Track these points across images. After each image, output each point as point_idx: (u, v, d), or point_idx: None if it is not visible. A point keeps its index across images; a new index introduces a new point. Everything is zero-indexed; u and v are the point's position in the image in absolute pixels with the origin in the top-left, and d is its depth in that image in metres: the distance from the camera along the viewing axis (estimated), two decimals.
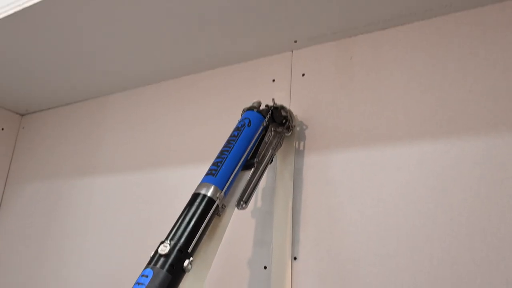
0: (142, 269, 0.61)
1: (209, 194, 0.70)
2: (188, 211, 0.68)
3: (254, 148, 0.83)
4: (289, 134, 0.94)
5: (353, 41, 0.96)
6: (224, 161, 0.75)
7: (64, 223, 1.29)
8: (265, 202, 0.95)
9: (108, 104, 1.36)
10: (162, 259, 0.60)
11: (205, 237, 0.69)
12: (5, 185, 1.51)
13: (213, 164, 0.75)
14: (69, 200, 1.31)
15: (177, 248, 0.62)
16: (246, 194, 0.78)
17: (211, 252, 0.71)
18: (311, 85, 0.98)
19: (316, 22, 0.93)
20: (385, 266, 0.79)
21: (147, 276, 0.58)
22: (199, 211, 0.68)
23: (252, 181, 0.80)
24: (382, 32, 0.93)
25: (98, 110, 1.37)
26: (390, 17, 0.89)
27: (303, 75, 1.00)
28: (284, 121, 0.91)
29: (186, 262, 0.61)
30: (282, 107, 0.91)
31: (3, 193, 1.50)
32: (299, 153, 0.94)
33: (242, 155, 0.78)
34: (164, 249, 0.61)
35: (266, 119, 0.85)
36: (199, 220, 0.67)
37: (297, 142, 0.95)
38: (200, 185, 0.72)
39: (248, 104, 0.90)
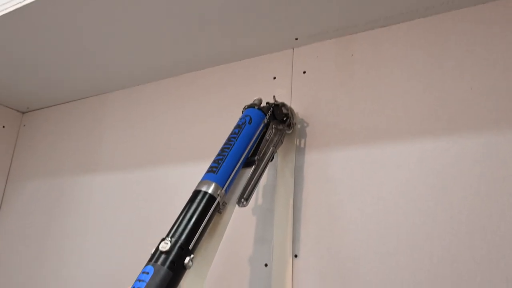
0: (142, 267, 0.61)
1: (210, 191, 0.70)
2: (189, 208, 0.68)
3: (255, 145, 0.83)
4: (290, 131, 0.94)
5: (354, 39, 0.96)
6: (225, 158, 0.75)
7: (65, 221, 1.29)
8: (266, 199, 0.95)
9: (108, 101, 1.36)
10: (163, 256, 0.60)
11: (206, 234, 0.69)
12: (6, 183, 1.51)
13: (214, 161, 0.75)
14: (70, 198, 1.31)
15: (178, 245, 0.62)
16: (247, 191, 0.78)
17: (212, 249, 0.71)
18: (312, 83, 0.98)
19: (317, 20, 0.93)
20: (385, 264, 0.79)
21: (148, 273, 0.58)
22: (200, 208, 0.67)
23: (253, 179, 0.80)
24: (383, 30, 0.93)
25: (98, 107, 1.37)
26: (391, 15, 0.89)
27: (304, 72, 1.00)
28: (285, 118, 0.91)
29: (187, 259, 0.61)
30: (283, 105, 0.91)
31: (4, 191, 1.50)
32: (300, 151, 0.94)
33: (243, 153, 0.78)
34: (165, 246, 0.61)
35: (267, 116, 0.85)
36: (200, 217, 0.67)
37: (298, 140, 0.95)
38: (201, 182, 0.72)
39: (249, 101, 0.90)
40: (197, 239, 0.65)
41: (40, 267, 1.29)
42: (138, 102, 1.28)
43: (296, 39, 1.01)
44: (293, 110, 0.95)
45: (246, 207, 0.80)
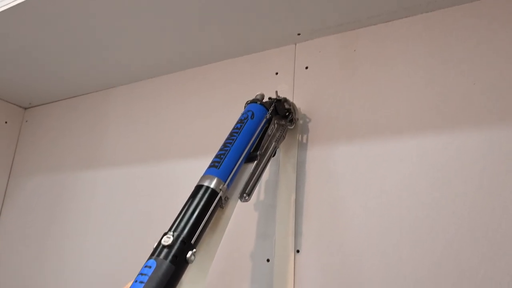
0: (145, 261, 0.61)
1: (212, 186, 0.70)
2: (191, 202, 0.68)
3: (257, 140, 0.83)
4: (292, 127, 0.93)
5: (356, 34, 0.96)
6: (227, 153, 0.75)
7: (67, 216, 1.30)
8: (268, 195, 0.95)
9: (111, 97, 1.36)
10: (165, 250, 0.60)
11: (208, 229, 0.69)
12: (8, 178, 1.52)
13: (216, 156, 0.75)
14: (72, 194, 1.32)
15: (180, 239, 0.61)
16: (249, 186, 0.78)
17: (214, 244, 0.71)
18: (314, 78, 0.98)
19: (320, 15, 0.93)
20: (387, 259, 0.79)
21: (150, 267, 0.58)
22: (202, 203, 0.67)
23: (255, 174, 0.80)
24: (386, 25, 0.93)
25: (101, 103, 1.37)
26: (394, 10, 0.89)
27: (307, 68, 1.00)
28: (287, 113, 0.91)
29: (189, 253, 0.61)
30: (285, 100, 0.91)
31: (6, 186, 1.51)
32: (302, 146, 0.94)
33: (245, 148, 0.78)
34: (168, 240, 0.61)
35: (269, 111, 0.85)
36: (202, 211, 0.67)
37: (300, 135, 0.95)
38: (203, 177, 0.72)
39: (251, 97, 0.90)
40: (199, 233, 0.65)
41: (42, 261, 1.29)
42: (140, 98, 1.28)
43: (299, 34, 1.00)
44: (295, 106, 0.95)
45: (248, 202, 0.80)
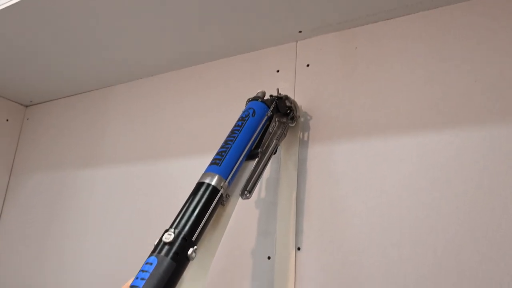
0: (145, 258, 0.61)
1: (213, 183, 0.70)
2: (192, 200, 0.68)
3: (259, 138, 0.83)
4: (294, 124, 0.93)
5: (357, 32, 0.96)
6: (228, 150, 0.75)
7: (68, 214, 1.30)
8: (269, 192, 0.95)
9: (111, 95, 1.36)
10: (166, 247, 0.60)
11: (209, 226, 0.69)
12: (9, 176, 1.52)
13: (217, 153, 0.75)
14: (73, 191, 1.32)
15: (181, 236, 0.62)
16: (250, 184, 0.78)
17: (215, 241, 0.71)
18: (315, 76, 0.98)
19: (321, 12, 0.93)
20: (388, 257, 0.79)
21: (151, 264, 0.58)
22: (203, 200, 0.68)
23: (256, 171, 0.80)
24: (387, 22, 0.93)
25: (101, 101, 1.38)
26: (395, 7, 0.89)
27: (308, 65, 1.00)
28: (288, 111, 0.91)
29: (190, 250, 0.61)
30: (287, 98, 0.91)
31: (8, 184, 1.51)
32: (303, 144, 0.94)
33: (246, 145, 0.78)
34: (169, 237, 0.61)
35: (271, 109, 0.85)
36: (203, 209, 0.67)
37: (301, 133, 0.95)
38: (204, 175, 0.72)
39: (252, 95, 0.90)
40: (201, 230, 0.65)
41: (43, 259, 1.30)
42: (140, 96, 1.28)
43: (300, 32, 1.00)
44: (296, 103, 0.95)
45: (249, 200, 0.80)
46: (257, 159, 0.81)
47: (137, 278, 0.57)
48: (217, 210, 0.71)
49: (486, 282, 0.70)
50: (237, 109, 0.89)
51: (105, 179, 1.26)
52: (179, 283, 0.60)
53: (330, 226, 0.86)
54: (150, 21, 1.01)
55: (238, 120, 0.82)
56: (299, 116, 0.95)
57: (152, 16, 0.99)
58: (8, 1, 0.97)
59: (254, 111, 0.83)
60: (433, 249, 0.75)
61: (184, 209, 0.66)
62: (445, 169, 0.78)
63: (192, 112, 1.15)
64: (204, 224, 0.66)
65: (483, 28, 0.82)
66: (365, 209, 0.84)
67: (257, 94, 0.89)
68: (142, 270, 0.58)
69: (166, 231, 0.63)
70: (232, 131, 0.79)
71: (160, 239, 0.62)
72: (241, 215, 0.90)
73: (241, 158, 0.76)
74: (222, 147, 0.76)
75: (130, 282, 0.58)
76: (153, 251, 0.61)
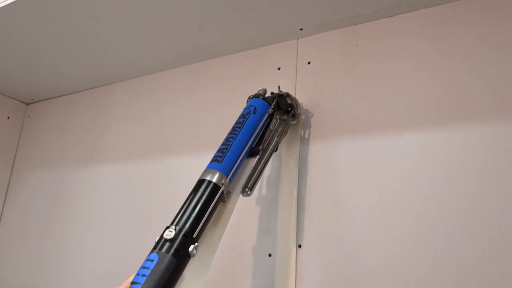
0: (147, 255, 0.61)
1: (214, 180, 0.70)
2: (194, 197, 0.68)
3: (260, 135, 0.83)
4: (295, 122, 0.93)
5: (359, 29, 0.96)
6: (230, 148, 0.75)
7: (69, 212, 1.30)
8: (270, 190, 0.95)
9: (113, 92, 1.36)
10: (167, 244, 0.60)
11: (210, 223, 0.69)
12: (11, 173, 1.52)
13: (218, 150, 0.75)
14: (74, 189, 1.32)
15: (182, 233, 0.62)
16: (251, 181, 0.78)
17: (216, 238, 0.71)
18: (316, 73, 0.98)
19: (322, 10, 0.92)
20: (389, 254, 0.79)
21: (152, 260, 0.58)
22: (204, 197, 0.68)
23: (257, 168, 0.80)
24: (389, 20, 0.92)
25: (103, 98, 1.38)
26: (397, 4, 0.89)
27: (309, 63, 1.00)
28: (289, 109, 0.91)
29: (191, 247, 0.61)
30: (288, 95, 0.91)
31: (9, 182, 1.51)
32: (304, 141, 0.94)
33: (247, 142, 0.78)
34: (170, 234, 0.61)
35: (272, 106, 0.85)
36: (204, 206, 0.67)
37: (302, 130, 0.95)
38: (205, 172, 0.72)
39: (253, 92, 0.90)
40: (202, 227, 0.65)
41: (44, 257, 1.30)
42: (142, 94, 1.28)
43: (301, 29, 1.00)
44: (297, 101, 0.95)
45: (250, 197, 0.80)
46: (258, 156, 0.81)
47: (138, 274, 0.57)
48: (218, 207, 0.71)
49: (487, 278, 0.70)
50: (239, 106, 0.89)
51: (107, 177, 1.26)
52: (180, 280, 0.60)
53: (331, 223, 0.86)
54: (151, 19, 1.00)
55: (239, 117, 0.82)
56: (300, 114, 0.95)
57: (153, 14, 0.98)
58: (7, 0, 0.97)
59: (255, 109, 0.83)
60: (434, 246, 0.75)
61: (185, 206, 0.66)
62: (446, 166, 0.78)
63: (194, 109, 1.15)
64: (205, 221, 0.66)
65: (485, 26, 0.82)
66: (366, 206, 0.84)
67: (258, 91, 0.89)
68: (143, 267, 0.58)
69: (167, 228, 0.63)
70: (233, 129, 0.79)
71: (161, 236, 0.62)
72: (242, 213, 0.90)
73: (242, 156, 0.76)
74: (223, 144, 0.76)
75: (131, 278, 0.58)
76: (154, 248, 0.61)
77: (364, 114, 0.89)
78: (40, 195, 1.40)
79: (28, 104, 1.60)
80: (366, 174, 0.85)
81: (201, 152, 1.09)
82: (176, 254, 0.59)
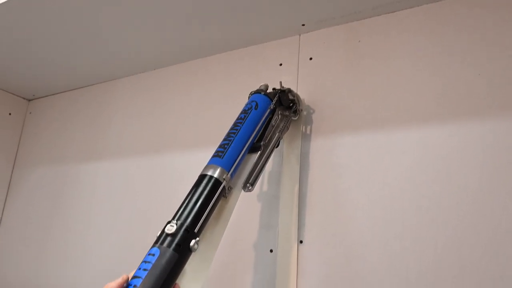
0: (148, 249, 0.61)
1: (215, 175, 0.70)
2: (195, 192, 0.68)
3: (261, 131, 0.83)
4: (296, 118, 0.93)
5: (361, 24, 0.95)
6: (231, 143, 0.75)
7: (70, 207, 1.30)
8: (272, 186, 0.95)
9: (114, 89, 1.36)
10: (169, 238, 0.60)
11: (211, 218, 0.69)
12: (12, 169, 1.52)
13: (220, 146, 0.75)
14: (75, 184, 1.32)
15: (183, 227, 0.62)
16: (253, 176, 0.78)
17: (217, 233, 0.71)
18: (318, 69, 0.98)
19: (324, 5, 0.92)
20: (390, 250, 0.79)
21: (154, 255, 0.58)
22: (205, 192, 0.67)
23: (258, 164, 0.80)
24: (391, 15, 0.92)
25: (104, 95, 1.37)
26: (399, 0, 0.88)
27: (311, 59, 1.00)
28: (291, 104, 0.91)
29: (193, 242, 0.61)
30: (290, 91, 0.90)
31: (11, 177, 1.51)
32: (306, 137, 0.94)
33: (249, 138, 0.78)
34: (171, 228, 0.61)
35: (273, 102, 0.85)
36: (206, 201, 0.67)
37: (304, 126, 0.95)
38: (206, 167, 0.72)
39: (255, 88, 0.89)
40: (203, 222, 0.65)
41: (45, 252, 1.30)
42: (143, 90, 1.28)
43: (303, 25, 1.00)
44: (299, 97, 0.94)
45: (252, 193, 0.80)
46: (259, 152, 0.81)
47: (139, 268, 0.57)
48: (220, 203, 0.71)
49: (487, 275, 0.70)
50: (240, 102, 0.89)
51: (108, 173, 1.26)
52: (181, 274, 0.60)
53: (333, 219, 0.86)
54: (152, 16, 1.00)
55: (241, 113, 0.82)
56: (301, 110, 0.94)
57: (153, 11, 0.98)
58: None
59: (257, 104, 0.83)
60: (434, 242, 0.75)
61: (187, 201, 0.66)
62: (447, 163, 0.78)
63: (195, 106, 1.15)
64: (206, 216, 0.66)
65: (485, 21, 0.81)
66: (367, 202, 0.83)
67: (260, 87, 0.89)
68: (144, 261, 0.58)
69: (169, 222, 0.63)
70: (235, 124, 0.79)
71: (163, 231, 0.62)
72: (243, 208, 0.90)
73: (243, 151, 0.76)
74: (224, 139, 0.76)
75: (133, 273, 0.58)
76: (156, 242, 0.61)
77: (365, 111, 0.89)
78: (42, 190, 1.40)
79: (29, 100, 1.60)
80: (367, 171, 0.85)
81: (202, 149, 1.09)
82: (177, 249, 0.59)
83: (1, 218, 1.47)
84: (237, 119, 0.81)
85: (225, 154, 0.73)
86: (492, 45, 0.80)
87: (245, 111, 0.82)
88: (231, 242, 0.94)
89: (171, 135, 1.17)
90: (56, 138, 1.44)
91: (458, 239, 0.73)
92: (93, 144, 1.33)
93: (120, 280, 0.58)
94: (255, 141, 0.81)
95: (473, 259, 0.71)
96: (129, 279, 0.57)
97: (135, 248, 1.11)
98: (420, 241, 0.77)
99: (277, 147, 0.86)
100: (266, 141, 0.83)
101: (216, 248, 0.70)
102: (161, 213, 1.09)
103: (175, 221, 0.62)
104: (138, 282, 0.55)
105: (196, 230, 0.63)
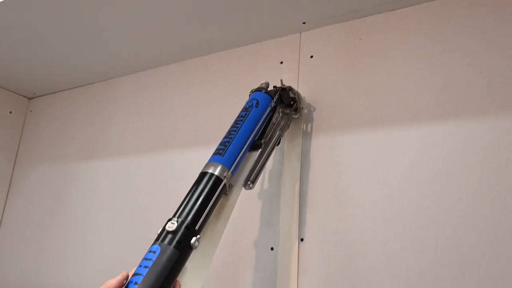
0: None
1: (216, 173, 0.70)
2: (196, 189, 0.68)
3: (262, 129, 0.83)
4: (297, 116, 0.93)
5: (362, 22, 0.95)
6: (232, 141, 0.75)
7: (71, 205, 1.30)
8: (272, 184, 0.95)
9: (115, 87, 1.36)
10: (169, 236, 0.60)
11: (212, 216, 0.69)
12: (13, 168, 1.52)
13: (221, 143, 0.75)
14: (76, 183, 1.32)
15: (184, 225, 0.62)
16: (253, 174, 0.78)
17: (218, 231, 0.71)
18: (319, 67, 0.98)
19: (325, 3, 0.92)
20: (391, 248, 0.79)
21: (154, 252, 0.58)
22: (206, 190, 0.67)
23: (259, 162, 0.80)
24: (391, 13, 0.92)
25: (105, 93, 1.37)
26: None
27: (311, 57, 1.00)
28: (292, 102, 0.91)
29: (193, 239, 0.61)
30: (290, 89, 0.90)
31: (12, 175, 1.51)
32: (307, 135, 0.94)
33: (250, 136, 0.78)
34: (172, 226, 0.61)
35: (274, 100, 0.85)
36: (206, 198, 0.67)
37: (304, 124, 0.95)
38: (207, 164, 0.72)
39: (256, 86, 0.89)
40: (204, 220, 0.65)
41: (46, 250, 1.30)
42: (143, 88, 1.28)
43: (304, 23, 1.00)
44: (300, 95, 0.94)
45: (252, 191, 0.80)
46: (260, 149, 0.81)
47: (140, 266, 0.57)
48: (221, 200, 0.71)
49: (488, 274, 0.70)
50: (241, 100, 0.88)
51: (108, 171, 1.26)
52: (182, 271, 0.60)
53: (333, 217, 0.86)
54: (152, 14, 1.00)
55: (242, 110, 0.82)
56: (302, 108, 0.94)
57: (153, 9, 0.98)
58: None
59: (257, 102, 0.83)
60: (435, 241, 0.75)
61: (187, 198, 0.66)
62: (447, 162, 0.78)
63: (195, 104, 1.15)
64: (207, 214, 0.66)
65: (486, 20, 0.81)
66: (368, 201, 0.83)
67: (260, 85, 0.89)
68: (145, 258, 0.58)
69: (169, 220, 0.63)
70: (236, 122, 0.79)
71: (163, 228, 0.62)
72: (244, 206, 0.90)
73: (244, 149, 0.76)
74: (225, 137, 0.76)
75: (134, 270, 0.58)
76: (157, 240, 0.61)
77: (365, 109, 0.89)
78: (42, 189, 1.40)
79: (30, 98, 1.60)
80: (368, 169, 0.85)
81: (202, 147, 1.09)
82: (178, 246, 0.59)
83: (2, 216, 1.47)
84: (238, 117, 0.81)
85: (226, 152, 0.73)
86: (493, 44, 0.80)
87: (246, 109, 0.82)
88: (232, 240, 0.94)
89: (172, 133, 1.17)
90: (57, 136, 1.44)
91: (458, 238, 0.73)
92: (93, 142, 1.33)
93: (120, 277, 0.58)
94: (256, 139, 0.81)
95: (473, 258, 0.71)
96: (130, 276, 0.57)
97: (136, 247, 1.10)
98: (420, 240, 0.76)
99: (278, 145, 0.86)
100: (267, 139, 0.83)
101: (217, 246, 0.70)
102: (162, 211, 1.09)
103: (176, 219, 0.62)
104: (139, 279, 0.55)
105: (197, 228, 0.63)
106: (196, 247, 0.62)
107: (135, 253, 1.09)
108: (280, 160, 0.95)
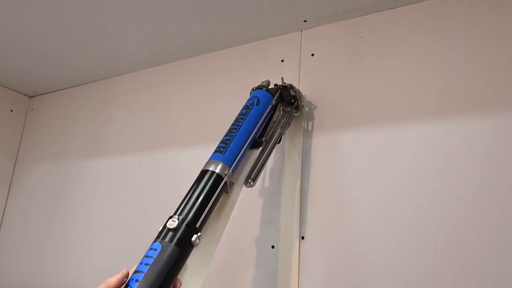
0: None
1: (217, 171, 0.70)
2: (197, 187, 0.67)
3: (263, 127, 0.83)
4: (298, 114, 0.93)
5: (363, 20, 0.95)
6: (233, 139, 0.75)
7: (72, 203, 1.30)
8: (273, 182, 0.95)
9: (116, 85, 1.36)
10: (170, 233, 0.60)
11: (213, 214, 0.69)
12: (14, 166, 1.52)
13: (222, 141, 0.75)
14: (77, 181, 1.32)
15: (185, 223, 0.61)
16: (254, 172, 0.78)
17: (219, 228, 0.71)
18: (320, 65, 0.98)
19: (326, 1, 0.92)
20: (391, 247, 0.79)
21: (155, 250, 0.58)
22: (207, 187, 0.67)
23: (260, 160, 0.80)
24: (393, 11, 0.92)
25: (106, 91, 1.37)
26: None
27: (312, 55, 0.99)
28: (293, 100, 0.91)
29: (194, 237, 0.61)
30: (291, 87, 0.90)
31: (13, 173, 1.52)
32: (308, 133, 0.94)
33: (251, 134, 0.78)
34: (173, 223, 0.61)
35: (275, 98, 0.85)
36: (207, 196, 0.66)
37: (305, 122, 0.95)
38: (208, 162, 0.72)
39: (257, 84, 0.89)
40: (204, 217, 0.65)
41: (47, 248, 1.30)
42: (145, 86, 1.28)
43: (305, 21, 1.00)
44: (301, 93, 0.94)
45: (253, 189, 0.80)
46: (261, 147, 0.80)
47: (141, 263, 0.57)
48: (221, 198, 0.71)
49: (488, 273, 0.70)
50: (242, 99, 0.88)
51: (109, 170, 1.26)
52: (183, 269, 0.60)
53: (334, 215, 0.86)
54: (153, 12, 1.00)
55: (243, 108, 0.81)
56: (303, 106, 0.94)
57: (154, 7, 0.98)
58: None
59: (258, 100, 0.83)
60: (435, 241, 0.75)
61: (188, 196, 0.66)
62: (448, 160, 0.78)
63: (196, 102, 1.15)
64: (208, 211, 0.65)
65: (488, 18, 0.81)
66: (368, 200, 0.83)
67: (261, 83, 0.89)
68: (146, 256, 0.58)
69: (170, 217, 0.62)
70: (237, 120, 0.79)
71: (164, 226, 0.61)
72: (245, 204, 0.90)
73: (245, 147, 0.76)
74: (226, 135, 0.76)
75: (134, 268, 0.58)
76: (157, 237, 0.60)
77: (366, 107, 0.89)
78: (43, 187, 1.40)
79: (31, 97, 1.60)
80: (368, 168, 0.85)
81: (203, 145, 1.09)
82: (179, 244, 0.59)
83: (3, 215, 1.48)
84: (239, 115, 0.80)
85: (227, 150, 0.73)
86: (493, 42, 0.80)
87: (246, 107, 0.81)
88: (233, 238, 0.94)
89: (173, 131, 1.17)
90: (58, 134, 1.44)
91: (459, 237, 0.73)
92: (94, 140, 1.33)
93: (120, 275, 0.58)
94: (256, 137, 0.81)
95: (473, 258, 0.71)
96: (130, 274, 0.57)
97: (137, 245, 1.11)
98: (420, 239, 0.76)
99: (278, 143, 0.86)
100: (268, 137, 0.83)
101: (218, 243, 0.70)
102: (163, 209, 1.09)
103: (176, 216, 0.62)
104: (140, 276, 0.55)
105: (197, 225, 0.63)
106: (197, 244, 0.62)
107: (135, 251, 1.09)
108: (281, 158, 0.95)
